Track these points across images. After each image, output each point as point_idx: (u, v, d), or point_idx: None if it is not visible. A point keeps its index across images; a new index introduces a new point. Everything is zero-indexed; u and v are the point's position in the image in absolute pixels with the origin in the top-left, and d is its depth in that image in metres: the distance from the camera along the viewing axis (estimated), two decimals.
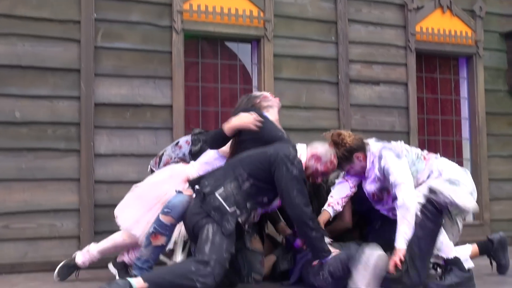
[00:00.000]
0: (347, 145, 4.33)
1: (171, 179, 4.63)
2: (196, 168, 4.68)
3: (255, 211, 4.00)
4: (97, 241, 5.03)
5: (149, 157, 5.78)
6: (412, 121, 6.98)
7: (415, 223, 4.03)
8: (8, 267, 5.28)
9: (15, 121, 5.45)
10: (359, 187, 4.59)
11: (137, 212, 4.54)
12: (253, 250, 4.42)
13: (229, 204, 3.81)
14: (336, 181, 4.69)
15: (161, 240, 4.01)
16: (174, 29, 6.02)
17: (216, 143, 4.44)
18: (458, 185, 4.49)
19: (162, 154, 5.18)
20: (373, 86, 6.90)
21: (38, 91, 5.55)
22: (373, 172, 4.36)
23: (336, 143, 4.36)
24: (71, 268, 4.71)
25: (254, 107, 4.63)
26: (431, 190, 4.05)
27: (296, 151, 4.05)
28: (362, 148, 4.39)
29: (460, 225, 4.73)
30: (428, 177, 4.48)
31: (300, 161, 3.98)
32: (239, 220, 3.81)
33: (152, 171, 5.19)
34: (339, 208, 4.51)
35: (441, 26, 7.24)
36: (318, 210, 4.52)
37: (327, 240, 4.06)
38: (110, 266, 4.70)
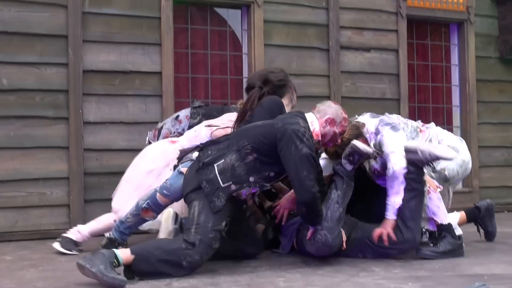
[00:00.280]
0: (344, 139, 4.26)
1: (162, 160, 4.59)
2: (186, 142, 4.62)
3: (263, 186, 3.86)
4: (87, 209, 5.05)
5: (138, 124, 5.77)
6: (403, 88, 6.96)
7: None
8: None
9: (2, 89, 5.37)
10: None
11: (128, 194, 4.52)
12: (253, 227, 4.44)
13: (223, 178, 3.69)
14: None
15: (150, 216, 4.06)
16: None
17: None
18: (457, 152, 4.50)
19: (161, 127, 5.14)
20: (363, 53, 6.85)
21: (25, 58, 5.46)
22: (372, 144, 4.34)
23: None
24: (71, 243, 4.54)
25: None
26: (408, 150, 4.06)
27: (306, 122, 3.87)
28: (360, 135, 4.35)
29: (451, 193, 4.76)
30: None
31: (311, 135, 3.80)
32: (235, 193, 3.73)
33: (150, 144, 5.15)
34: None
35: None
36: None
37: None
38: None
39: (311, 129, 3.90)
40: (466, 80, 7.35)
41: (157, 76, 5.90)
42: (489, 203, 4.89)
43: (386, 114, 4.59)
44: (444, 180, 4.49)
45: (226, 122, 4.58)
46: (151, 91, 5.88)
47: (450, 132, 4.81)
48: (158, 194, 4.00)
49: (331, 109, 4.04)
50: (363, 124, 4.34)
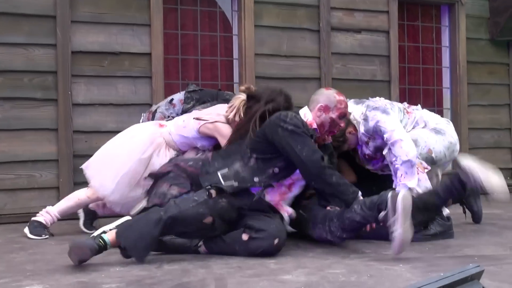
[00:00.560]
0: (337, 133, 4.24)
1: (150, 145, 4.55)
2: (172, 136, 4.57)
3: (269, 185, 3.81)
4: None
5: (128, 106, 5.73)
6: (393, 69, 6.94)
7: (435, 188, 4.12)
8: None
9: None
10: None
11: (111, 174, 4.48)
12: None
13: (226, 181, 3.72)
14: None
15: None
16: None
17: None
18: (444, 134, 4.51)
19: (156, 110, 5.10)
20: (354, 34, 6.82)
21: (13, 39, 5.39)
22: (362, 138, 4.34)
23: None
24: (40, 227, 4.48)
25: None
26: (463, 169, 4.03)
27: (297, 114, 3.85)
28: (348, 123, 4.33)
29: (440, 175, 4.76)
30: (413, 128, 4.48)
31: (294, 116, 3.76)
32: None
33: None
34: None
35: None
36: None
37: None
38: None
39: (304, 120, 3.85)
40: (457, 62, 7.34)
41: (146, 57, 5.85)
42: None
43: (370, 98, 4.57)
44: (431, 162, 4.49)
45: (214, 116, 4.46)
46: (140, 73, 5.83)
47: (436, 114, 4.80)
48: None
49: (322, 96, 3.97)
50: (349, 113, 4.31)
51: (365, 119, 4.29)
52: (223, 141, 4.25)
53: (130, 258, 3.49)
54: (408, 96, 7.13)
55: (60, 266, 3.41)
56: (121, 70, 5.76)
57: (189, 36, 6.31)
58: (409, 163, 4.09)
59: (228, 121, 4.33)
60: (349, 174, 4.61)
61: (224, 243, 3.67)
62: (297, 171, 3.84)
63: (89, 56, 5.65)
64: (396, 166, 4.14)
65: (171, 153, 4.56)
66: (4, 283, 3.04)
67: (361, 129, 4.31)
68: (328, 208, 3.90)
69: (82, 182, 5.25)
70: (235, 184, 3.71)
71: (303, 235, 4.04)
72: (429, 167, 4.39)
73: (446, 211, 4.44)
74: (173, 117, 4.94)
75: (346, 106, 3.95)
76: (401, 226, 3.41)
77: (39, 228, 4.44)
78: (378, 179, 4.57)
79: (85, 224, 4.72)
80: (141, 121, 5.13)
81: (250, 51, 6.27)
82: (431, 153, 4.46)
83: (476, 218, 4.86)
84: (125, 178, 4.43)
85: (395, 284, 2.88)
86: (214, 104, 4.81)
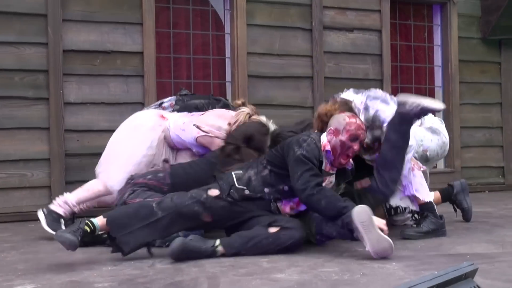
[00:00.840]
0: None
1: (155, 140, 4.52)
2: (170, 132, 4.54)
3: (278, 200, 3.83)
4: (69, 190, 4.95)
5: (120, 105, 5.72)
6: (386, 68, 6.95)
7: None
8: None
9: None
10: None
11: (119, 171, 4.42)
12: None
13: (239, 183, 3.75)
14: None
15: None
16: None
17: None
18: (438, 134, 4.53)
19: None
20: (346, 33, 6.82)
21: (4, 37, 5.36)
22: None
23: (327, 120, 4.24)
24: (57, 221, 4.33)
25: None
26: (398, 103, 4.00)
27: (318, 137, 3.84)
28: (349, 109, 4.31)
29: (428, 174, 4.75)
30: None
31: (311, 142, 3.74)
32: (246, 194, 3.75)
33: None
34: None
35: None
36: None
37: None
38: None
39: (321, 142, 3.82)
40: (449, 61, 7.36)
41: (138, 56, 5.83)
42: (462, 181, 4.91)
43: (371, 89, 4.55)
44: (425, 160, 4.51)
45: (215, 130, 4.44)
46: (132, 71, 5.81)
47: (430, 113, 4.80)
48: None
49: (333, 119, 3.92)
50: (351, 101, 4.30)
51: (366, 108, 4.27)
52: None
53: (117, 253, 3.50)
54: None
55: (52, 265, 3.39)
56: (113, 69, 5.74)
57: (181, 35, 6.29)
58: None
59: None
60: None
61: (245, 238, 3.62)
62: None
63: (81, 55, 5.62)
64: None
65: (168, 150, 4.56)
66: None
67: (361, 118, 4.29)
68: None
69: (74, 181, 5.25)
70: (246, 192, 3.74)
71: None
72: (425, 167, 4.40)
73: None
74: None
75: (358, 128, 3.86)
76: (367, 241, 3.47)
77: (57, 222, 4.28)
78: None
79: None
80: None
81: (243, 50, 6.26)
82: (426, 151, 4.48)
83: (467, 215, 4.86)
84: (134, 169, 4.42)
85: (388, 283, 2.88)
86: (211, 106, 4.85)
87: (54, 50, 5.48)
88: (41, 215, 4.30)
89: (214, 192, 3.71)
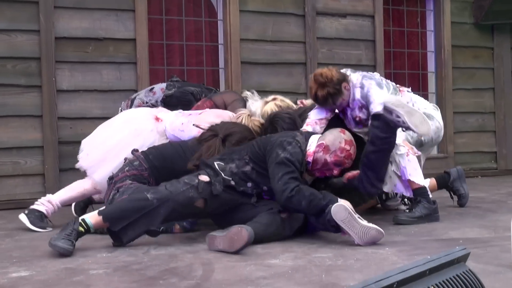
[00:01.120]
0: (334, 79, 4.21)
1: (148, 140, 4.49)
2: (167, 134, 4.50)
3: (260, 194, 3.82)
4: (63, 178, 5.00)
5: (113, 92, 5.70)
6: (379, 54, 6.95)
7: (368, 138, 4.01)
8: None
9: None
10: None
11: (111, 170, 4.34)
12: None
13: (225, 174, 3.72)
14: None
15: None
16: None
17: None
18: (432, 119, 4.53)
19: (135, 97, 5.08)
20: (339, 19, 6.82)
21: None
22: (356, 102, 4.31)
23: (323, 83, 4.19)
24: (40, 218, 4.25)
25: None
26: (386, 108, 3.96)
27: (305, 140, 3.81)
28: (346, 78, 4.31)
29: (422, 161, 4.77)
30: None
31: (295, 145, 3.72)
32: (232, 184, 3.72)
33: None
34: (318, 129, 4.33)
35: None
36: None
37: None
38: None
39: (307, 148, 3.80)
40: (442, 46, 7.36)
41: (131, 43, 5.81)
42: (459, 168, 4.94)
43: (369, 72, 4.54)
44: (419, 145, 4.52)
45: None
46: (125, 58, 5.79)
47: (423, 99, 4.81)
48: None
49: (330, 135, 3.86)
50: (348, 75, 4.31)
51: (362, 87, 4.28)
52: None
53: (117, 245, 3.51)
54: (394, 81, 7.09)
55: (47, 253, 3.40)
56: (105, 56, 5.72)
57: (174, 22, 6.27)
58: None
59: None
60: None
61: (264, 226, 3.60)
62: None
63: (73, 42, 5.60)
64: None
65: None
66: None
67: (357, 95, 4.29)
68: None
69: (68, 169, 5.25)
70: (232, 183, 3.72)
71: None
72: (419, 152, 4.41)
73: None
74: (152, 104, 4.92)
75: (347, 157, 3.83)
76: (353, 236, 3.48)
77: (40, 220, 4.22)
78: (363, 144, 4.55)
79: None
80: (119, 109, 5.12)
81: (236, 36, 6.24)
82: (420, 136, 4.48)
83: (463, 200, 4.89)
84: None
85: (381, 267, 2.91)
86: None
87: (46, 37, 5.45)
88: (22, 217, 4.21)
89: (204, 177, 3.68)
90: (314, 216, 3.68)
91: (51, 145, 5.44)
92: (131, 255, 3.32)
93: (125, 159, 4.19)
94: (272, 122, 4.28)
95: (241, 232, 3.28)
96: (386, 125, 3.86)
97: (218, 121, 4.39)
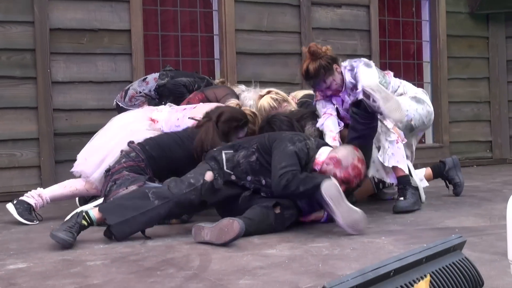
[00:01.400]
0: (328, 54, 4.23)
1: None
2: (165, 127, 4.47)
3: (257, 190, 3.76)
4: (58, 170, 4.99)
5: (108, 84, 5.70)
6: (374, 44, 6.95)
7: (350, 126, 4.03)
8: None
9: None
10: None
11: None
12: None
13: (228, 165, 3.71)
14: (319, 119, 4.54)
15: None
16: None
17: None
18: (423, 103, 4.54)
19: (128, 88, 5.08)
20: (335, 9, 6.81)
21: None
22: (348, 85, 4.32)
23: (316, 53, 4.19)
24: (28, 210, 4.22)
25: None
26: (364, 92, 3.96)
27: (315, 147, 3.75)
28: (337, 61, 4.33)
29: (414, 146, 4.78)
30: (394, 91, 4.49)
31: (303, 147, 3.68)
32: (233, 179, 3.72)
33: (117, 106, 5.09)
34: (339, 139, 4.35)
35: None
36: None
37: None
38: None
39: (316, 156, 3.73)
40: (437, 36, 7.37)
41: (126, 34, 5.80)
42: (454, 157, 4.95)
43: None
44: (410, 130, 4.51)
45: None
46: (120, 50, 5.78)
47: (411, 84, 4.81)
48: None
49: (344, 150, 3.76)
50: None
51: (351, 69, 4.31)
52: None
53: (111, 238, 3.51)
54: (390, 70, 7.14)
55: (44, 244, 3.40)
56: (100, 47, 5.71)
57: (169, 12, 6.26)
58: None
59: None
60: None
61: (258, 222, 3.56)
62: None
63: (68, 33, 5.58)
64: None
65: None
66: None
67: (347, 77, 4.31)
68: None
69: (63, 161, 5.25)
70: (232, 177, 3.71)
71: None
72: (406, 140, 4.41)
73: (424, 183, 4.51)
74: (146, 94, 4.92)
75: (356, 176, 3.69)
76: (337, 214, 3.44)
77: (29, 212, 4.18)
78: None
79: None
80: (114, 101, 5.12)
81: (231, 27, 6.24)
82: (411, 121, 4.49)
83: (458, 189, 4.91)
84: None
85: (378, 256, 2.91)
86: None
87: (41, 29, 5.43)
88: (10, 207, 4.18)
89: (210, 175, 3.65)
90: (307, 199, 3.68)
91: (46, 137, 5.43)
92: (128, 246, 3.33)
93: (122, 151, 4.18)
94: (270, 123, 4.28)
95: (233, 224, 3.25)
96: (365, 110, 3.86)
97: None
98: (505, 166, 7.48)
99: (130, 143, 4.18)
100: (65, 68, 5.57)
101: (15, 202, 4.21)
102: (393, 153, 4.21)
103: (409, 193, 4.27)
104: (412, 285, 1.65)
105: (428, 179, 4.79)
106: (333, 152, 3.75)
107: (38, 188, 4.34)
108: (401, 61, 7.37)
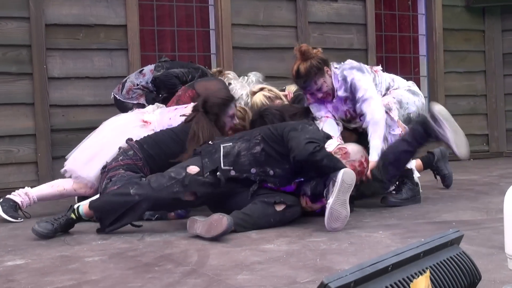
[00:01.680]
0: (318, 54, 4.24)
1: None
2: (158, 128, 4.41)
3: (263, 181, 3.70)
4: (56, 166, 4.98)
5: (104, 79, 5.69)
6: (370, 38, 6.95)
7: (403, 135, 4.13)
8: None
9: None
10: None
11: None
12: None
13: (225, 161, 3.63)
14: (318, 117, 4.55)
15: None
16: None
17: None
18: (417, 95, 4.55)
19: (126, 80, 5.07)
20: (331, 3, 6.80)
21: None
22: (341, 92, 4.32)
23: (307, 53, 4.21)
24: (13, 208, 4.17)
25: None
26: (434, 117, 4.03)
27: (324, 138, 3.76)
28: (328, 63, 4.33)
29: None
30: (387, 88, 4.50)
31: (316, 126, 3.75)
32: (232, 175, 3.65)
33: (115, 98, 5.08)
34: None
35: None
36: None
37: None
38: None
39: (325, 146, 3.71)
40: (433, 29, 7.37)
41: (122, 29, 5.79)
42: (442, 148, 4.96)
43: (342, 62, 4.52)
44: (408, 122, 4.52)
45: None
46: (116, 45, 5.77)
47: (400, 77, 4.82)
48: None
49: (354, 146, 3.84)
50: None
51: (344, 79, 4.29)
52: None
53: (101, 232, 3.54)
54: (386, 64, 7.14)
55: (42, 241, 3.40)
56: (96, 43, 5.70)
57: (165, 7, 6.25)
58: (374, 122, 4.14)
59: None
60: (350, 136, 4.58)
61: (256, 218, 3.56)
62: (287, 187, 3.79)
63: (64, 28, 5.57)
64: (364, 122, 4.20)
65: None
66: None
67: (341, 91, 4.30)
68: None
69: (60, 156, 5.22)
70: (232, 173, 3.64)
71: None
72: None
73: (416, 173, 4.54)
74: (143, 86, 4.92)
75: (360, 174, 3.77)
76: (334, 197, 3.40)
77: (14, 210, 4.14)
78: (361, 135, 4.57)
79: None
80: (112, 94, 5.11)
81: (227, 21, 6.23)
82: (410, 114, 4.51)
83: (447, 181, 4.93)
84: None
85: (376, 251, 2.92)
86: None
87: (37, 25, 5.42)
88: None
89: (193, 169, 3.61)
90: (318, 175, 3.63)
91: (43, 133, 5.43)
92: (126, 242, 3.33)
93: (120, 148, 4.18)
94: (262, 116, 4.26)
95: (221, 220, 3.26)
96: (425, 131, 4.01)
97: None
98: (502, 159, 7.50)
99: (129, 140, 4.17)
100: (61, 64, 5.56)
101: (1, 200, 4.19)
102: None
103: (405, 188, 4.28)
104: (411, 280, 1.65)
105: (419, 170, 4.80)
106: (342, 145, 3.83)
107: (26, 187, 4.30)
108: (397, 54, 7.37)
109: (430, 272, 1.74)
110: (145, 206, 3.53)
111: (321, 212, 3.62)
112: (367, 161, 3.85)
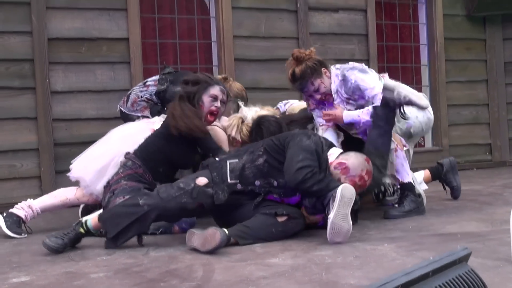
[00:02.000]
0: (313, 56, 4.22)
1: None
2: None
3: (268, 193, 3.70)
4: (59, 180, 4.98)
5: (107, 92, 5.70)
6: (372, 48, 6.96)
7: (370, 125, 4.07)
8: None
9: None
10: None
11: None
12: None
13: (232, 176, 3.67)
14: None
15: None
16: None
17: None
18: (422, 110, 4.51)
19: (130, 93, 5.07)
20: (332, 14, 6.82)
21: None
22: (341, 95, 4.30)
23: (300, 58, 4.19)
24: (17, 223, 4.13)
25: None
26: (386, 87, 3.98)
27: (327, 147, 3.76)
28: (326, 64, 4.31)
29: (411, 151, 4.78)
30: None
31: (318, 136, 3.75)
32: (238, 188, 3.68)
33: (121, 111, 5.08)
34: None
35: None
36: None
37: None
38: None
39: (328, 154, 3.74)
40: (434, 39, 7.38)
41: (124, 42, 5.80)
42: (451, 159, 4.95)
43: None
44: (408, 136, 4.50)
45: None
46: (119, 58, 5.78)
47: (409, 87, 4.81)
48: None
49: (355, 159, 3.72)
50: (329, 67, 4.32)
51: (344, 80, 4.26)
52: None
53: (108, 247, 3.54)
54: (388, 74, 7.14)
55: (47, 257, 3.40)
56: (99, 56, 5.71)
57: (166, 20, 6.26)
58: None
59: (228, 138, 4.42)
60: None
61: (257, 230, 3.56)
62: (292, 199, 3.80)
63: (66, 42, 5.59)
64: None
65: None
66: None
67: (341, 90, 4.28)
68: None
69: (64, 170, 5.18)
70: (238, 186, 3.67)
71: None
72: (408, 146, 4.41)
73: (423, 186, 4.52)
74: (147, 98, 4.92)
75: (361, 187, 3.70)
76: (334, 212, 3.38)
77: (17, 225, 4.10)
78: (362, 143, 4.55)
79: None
80: (118, 107, 5.11)
81: (228, 33, 6.24)
82: (410, 128, 4.49)
83: (456, 193, 4.91)
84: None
85: (381, 264, 2.92)
86: None
87: (39, 39, 5.44)
88: (1, 220, 4.11)
89: (202, 180, 3.64)
90: (314, 197, 3.62)
91: (46, 147, 5.43)
92: (130, 257, 3.32)
93: (121, 162, 4.21)
94: (259, 124, 4.27)
95: (215, 235, 3.29)
96: (386, 102, 3.93)
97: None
98: (505, 168, 7.49)
99: (126, 154, 4.21)
100: (64, 78, 5.57)
101: (4, 214, 4.16)
102: (391, 162, 4.21)
103: (407, 201, 4.26)
104: None
105: (426, 182, 4.80)
106: (343, 157, 3.75)
107: (28, 199, 4.27)
108: (399, 64, 7.38)
109: None
110: (153, 216, 3.54)
111: (324, 225, 3.60)
112: (368, 173, 3.76)
